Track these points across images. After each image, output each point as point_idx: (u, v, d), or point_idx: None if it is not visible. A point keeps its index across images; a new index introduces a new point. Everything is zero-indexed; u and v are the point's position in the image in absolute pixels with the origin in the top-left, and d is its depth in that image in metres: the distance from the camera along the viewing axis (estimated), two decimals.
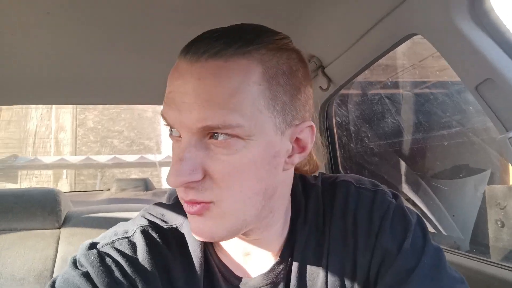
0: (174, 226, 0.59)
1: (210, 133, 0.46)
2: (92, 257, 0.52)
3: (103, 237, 0.57)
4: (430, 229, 1.58)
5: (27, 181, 9.72)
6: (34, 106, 9.80)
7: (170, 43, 1.05)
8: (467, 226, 1.47)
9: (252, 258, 0.58)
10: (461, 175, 1.61)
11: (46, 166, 8.89)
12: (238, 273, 0.58)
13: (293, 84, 0.51)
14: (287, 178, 0.56)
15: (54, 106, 9.75)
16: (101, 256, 0.53)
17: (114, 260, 0.53)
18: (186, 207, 0.49)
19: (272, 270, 0.57)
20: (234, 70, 0.47)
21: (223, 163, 0.47)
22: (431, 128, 1.82)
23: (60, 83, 1.38)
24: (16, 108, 9.92)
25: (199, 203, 0.48)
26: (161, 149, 10.83)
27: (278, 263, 0.57)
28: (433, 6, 0.69)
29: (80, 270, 0.51)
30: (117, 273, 0.51)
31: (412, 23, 0.77)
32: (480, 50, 0.65)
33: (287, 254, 0.58)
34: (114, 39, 1.04)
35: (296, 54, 0.53)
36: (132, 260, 0.53)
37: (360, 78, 1.13)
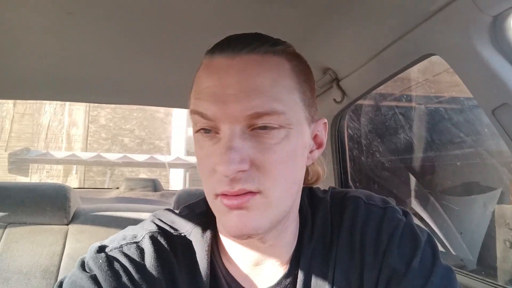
0: (182, 234, 0.59)
1: (253, 124, 0.49)
2: (101, 261, 0.53)
3: (112, 240, 0.57)
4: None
5: (37, 175, 9.83)
6: (48, 101, 9.94)
7: (185, 48, 1.07)
8: (474, 245, 1.44)
9: (261, 269, 0.58)
10: (471, 194, 1.59)
11: (57, 161, 8.98)
12: (245, 285, 0.57)
13: (311, 84, 0.57)
14: (303, 177, 0.58)
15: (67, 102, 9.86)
16: (110, 260, 0.53)
17: (122, 265, 0.53)
18: (228, 202, 0.49)
19: (279, 283, 0.57)
20: (270, 64, 0.51)
21: (269, 152, 0.49)
22: (443, 145, 1.80)
23: (76, 81, 1.40)
24: (31, 102, 10.06)
25: (246, 193, 0.48)
26: (171, 150, 10.88)
27: (285, 276, 0.57)
28: (453, 28, 0.69)
29: (88, 273, 0.52)
30: (124, 278, 0.52)
31: (431, 44, 0.77)
32: (498, 75, 0.64)
33: (294, 266, 0.58)
34: (131, 41, 1.06)
35: (305, 59, 0.58)
36: (140, 266, 0.54)
37: (373, 90, 1.13)
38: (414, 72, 1.91)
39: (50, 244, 1.30)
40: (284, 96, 0.50)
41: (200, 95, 0.51)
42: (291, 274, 0.57)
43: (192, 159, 9.08)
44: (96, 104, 10.56)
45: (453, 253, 1.56)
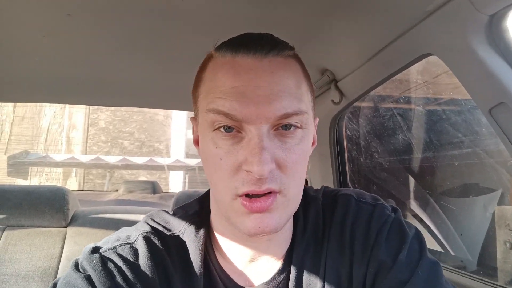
0: (176, 234, 0.60)
1: (278, 124, 0.50)
2: (95, 261, 0.53)
3: (106, 242, 0.58)
4: (437, 247, 1.56)
5: (37, 178, 9.82)
6: (48, 104, 9.94)
7: (185, 50, 1.07)
8: (474, 246, 1.44)
9: (256, 265, 0.59)
10: (471, 195, 1.59)
11: (56, 164, 8.98)
12: (239, 281, 0.58)
13: (312, 85, 0.59)
14: None
15: (67, 104, 9.87)
16: (104, 260, 0.53)
17: (116, 265, 0.53)
18: (253, 206, 0.49)
19: (273, 279, 0.58)
20: (292, 67, 0.54)
21: (290, 152, 0.51)
22: (442, 146, 1.80)
23: (76, 84, 1.40)
24: (30, 105, 10.07)
25: (269, 193, 0.50)
26: (170, 152, 10.88)
27: (279, 272, 0.58)
28: (450, 28, 0.70)
29: (82, 273, 0.52)
30: (118, 278, 0.52)
31: (428, 44, 0.77)
32: (495, 74, 0.64)
33: (288, 262, 0.59)
34: (131, 43, 1.05)
35: None
36: (134, 266, 0.54)
37: (372, 92, 1.13)
38: (413, 74, 1.91)
39: (49, 247, 1.30)
40: (304, 97, 0.53)
41: (225, 94, 0.51)
42: (285, 270, 0.58)
43: (192, 161, 9.07)
44: (96, 107, 10.58)
45: (453, 254, 1.56)
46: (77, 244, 1.32)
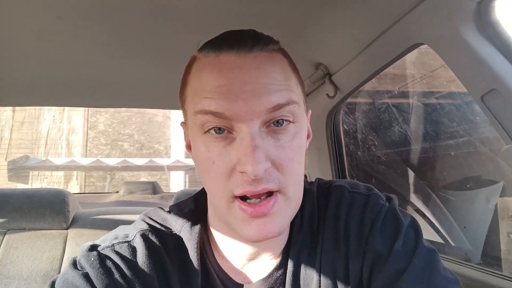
0: (173, 231, 0.60)
1: (269, 120, 0.49)
2: (93, 259, 0.53)
3: (104, 240, 0.58)
4: (440, 240, 1.56)
5: (38, 182, 9.83)
6: (47, 108, 9.94)
7: (181, 50, 1.07)
8: (478, 238, 1.45)
9: (255, 263, 0.58)
10: (473, 187, 1.59)
11: (57, 168, 8.98)
12: (237, 279, 0.58)
13: (301, 78, 0.58)
14: None
15: (66, 108, 9.87)
16: (101, 258, 0.53)
17: (114, 263, 0.53)
18: (252, 211, 0.48)
19: (270, 275, 0.57)
20: (278, 60, 0.53)
21: (286, 148, 0.50)
22: (442, 138, 1.81)
23: (73, 86, 1.40)
24: (30, 109, 10.07)
25: (268, 196, 0.48)
26: (170, 153, 10.88)
27: (277, 268, 0.58)
28: (439, 16, 0.70)
29: (80, 271, 0.52)
30: (116, 275, 0.52)
31: (419, 33, 0.78)
32: (486, 61, 0.65)
33: (285, 258, 0.58)
34: (125, 44, 1.06)
35: None
36: (132, 264, 0.54)
37: (368, 87, 1.13)
38: (409, 66, 1.91)
39: (50, 249, 1.30)
40: (294, 89, 0.53)
41: (211, 94, 0.49)
42: (282, 266, 0.58)
43: (192, 161, 9.05)
44: (95, 110, 10.57)
45: (457, 246, 1.56)
46: (79, 245, 1.32)
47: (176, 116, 10.54)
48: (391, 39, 0.86)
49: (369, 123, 1.99)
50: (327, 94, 1.22)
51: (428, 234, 1.58)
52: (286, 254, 0.58)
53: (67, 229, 1.37)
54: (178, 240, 0.59)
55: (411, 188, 1.82)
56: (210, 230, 0.61)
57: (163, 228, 0.60)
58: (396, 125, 1.96)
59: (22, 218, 1.33)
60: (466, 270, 0.94)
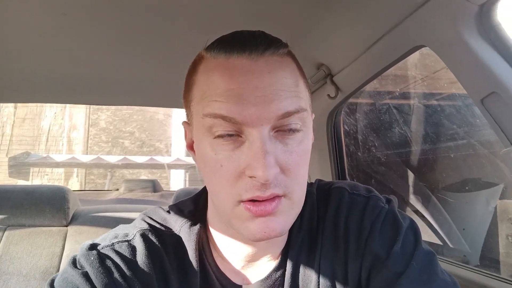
0: (173, 231, 0.60)
1: (278, 126, 0.49)
2: (92, 258, 0.53)
3: (104, 239, 0.57)
4: (438, 242, 1.56)
5: (38, 179, 9.85)
6: (48, 105, 9.95)
7: (183, 49, 1.07)
8: (477, 241, 1.45)
9: (254, 264, 0.58)
10: (472, 189, 1.59)
11: (57, 164, 8.99)
12: (236, 280, 0.58)
13: (307, 81, 0.58)
14: None
15: (67, 105, 9.89)
16: (101, 257, 0.53)
17: (113, 262, 0.53)
18: (257, 210, 0.48)
19: (269, 276, 0.57)
20: (288, 65, 0.53)
21: (293, 153, 0.49)
22: (442, 139, 1.81)
23: (75, 83, 1.40)
24: (31, 106, 10.08)
25: (274, 197, 0.48)
26: (171, 151, 10.90)
27: (276, 269, 0.58)
28: (441, 18, 0.70)
29: (80, 270, 0.52)
30: (116, 275, 0.52)
31: (420, 35, 0.78)
32: (486, 64, 0.65)
33: (284, 259, 0.58)
34: (128, 42, 1.06)
35: None
36: (131, 263, 0.54)
37: (369, 87, 1.13)
38: (412, 68, 1.91)
39: (50, 246, 1.30)
40: (303, 94, 0.52)
41: (222, 97, 0.48)
42: (281, 267, 0.58)
43: (192, 160, 9.05)
44: (96, 108, 10.59)
45: (456, 248, 1.56)
46: (78, 242, 1.32)
47: (177, 114, 10.55)
48: (393, 41, 0.86)
49: (369, 124, 1.99)
50: (328, 95, 1.22)
51: (427, 235, 1.58)
52: (285, 255, 0.58)
53: (67, 226, 1.37)
54: (178, 240, 0.59)
55: (411, 189, 1.82)
56: (209, 230, 0.61)
57: (162, 228, 0.60)
58: (397, 127, 1.96)
59: (22, 215, 1.33)
60: (464, 272, 0.94)
